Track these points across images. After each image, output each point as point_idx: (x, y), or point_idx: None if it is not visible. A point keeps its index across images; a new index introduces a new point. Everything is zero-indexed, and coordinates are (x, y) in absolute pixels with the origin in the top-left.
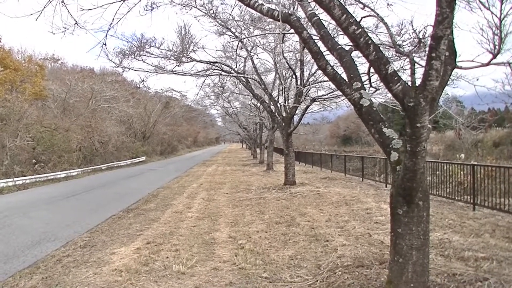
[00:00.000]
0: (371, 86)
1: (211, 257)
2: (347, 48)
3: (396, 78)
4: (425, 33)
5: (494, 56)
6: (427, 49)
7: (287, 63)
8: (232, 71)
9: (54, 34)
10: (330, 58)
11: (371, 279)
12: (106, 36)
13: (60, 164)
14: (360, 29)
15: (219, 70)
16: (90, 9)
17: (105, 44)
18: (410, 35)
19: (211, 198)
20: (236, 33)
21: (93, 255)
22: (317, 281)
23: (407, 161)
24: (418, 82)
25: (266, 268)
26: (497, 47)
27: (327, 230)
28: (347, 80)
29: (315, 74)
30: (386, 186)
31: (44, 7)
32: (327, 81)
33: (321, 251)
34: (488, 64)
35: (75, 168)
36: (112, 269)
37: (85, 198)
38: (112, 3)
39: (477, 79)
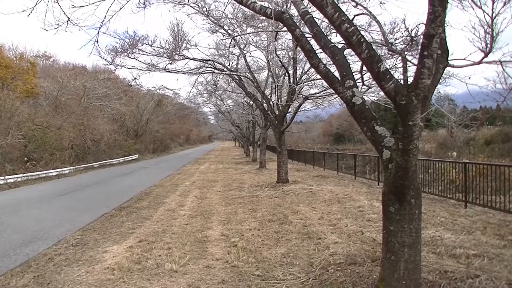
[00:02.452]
0: (363, 84)
1: (204, 255)
2: (339, 46)
3: (388, 76)
4: (418, 31)
5: (486, 55)
6: (420, 47)
7: (280, 61)
8: (225, 69)
9: (46, 30)
10: (323, 56)
11: (364, 277)
12: (98, 33)
13: (52, 162)
14: (352, 27)
15: (211, 68)
16: (82, 6)
17: (97, 42)
18: (402, 33)
19: (203, 196)
20: (229, 31)
21: (85, 253)
22: (309, 278)
23: (399, 159)
24: (410, 80)
25: (259, 266)
26: (488, 45)
27: (320, 228)
28: (339, 78)
29: (308, 72)
30: (378, 184)
31: (36, 4)
32: (320, 79)
33: (313, 249)
34: (480, 62)
35: (67, 166)
36: (104, 268)
37: (77, 196)
38: (104, 0)
39: (469, 78)
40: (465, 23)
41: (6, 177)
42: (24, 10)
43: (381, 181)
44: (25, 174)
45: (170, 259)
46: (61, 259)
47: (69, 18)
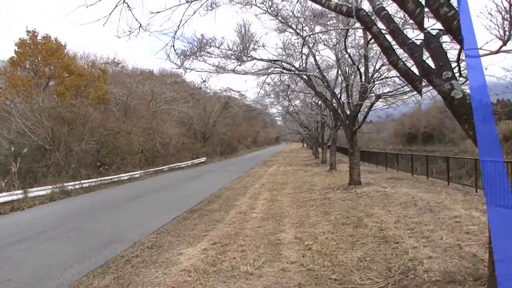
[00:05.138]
0: (460, 75)
1: (278, 258)
2: (434, 33)
3: None
4: None
5: (504, 43)
6: None
7: (351, 59)
8: (293, 69)
9: (119, 37)
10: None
11: None
12: (173, 38)
13: (123, 166)
14: (453, 11)
15: (280, 68)
16: (158, 12)
17: (173, 46)
18: None
19: (274, 199)
20: (297, 30)
21: (161, 255)
22: (388, 284)
23: None
24: None
25: (335, 270)
26: (507, 33)
27: (396, 232)
28: (435, 69)
29: (379, 70)
30: (476, 191)
31: (112, 12)
32: (393, 77)
33: (391, 253)
34: (497, 51)
35: (137, 170)
36: (180, 269)
37: (148, 200)
38: (180, 5)
39: (486, 68)
40: (481, 9)
41: (82, 181)
42: (99, 19)
43: (479, 188)
44: (98, 179)
45: (245, 262)
46: (138, 261)
47: (141, 25)
